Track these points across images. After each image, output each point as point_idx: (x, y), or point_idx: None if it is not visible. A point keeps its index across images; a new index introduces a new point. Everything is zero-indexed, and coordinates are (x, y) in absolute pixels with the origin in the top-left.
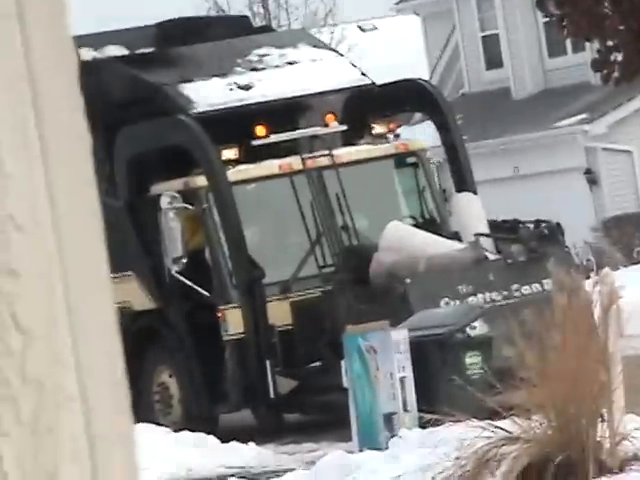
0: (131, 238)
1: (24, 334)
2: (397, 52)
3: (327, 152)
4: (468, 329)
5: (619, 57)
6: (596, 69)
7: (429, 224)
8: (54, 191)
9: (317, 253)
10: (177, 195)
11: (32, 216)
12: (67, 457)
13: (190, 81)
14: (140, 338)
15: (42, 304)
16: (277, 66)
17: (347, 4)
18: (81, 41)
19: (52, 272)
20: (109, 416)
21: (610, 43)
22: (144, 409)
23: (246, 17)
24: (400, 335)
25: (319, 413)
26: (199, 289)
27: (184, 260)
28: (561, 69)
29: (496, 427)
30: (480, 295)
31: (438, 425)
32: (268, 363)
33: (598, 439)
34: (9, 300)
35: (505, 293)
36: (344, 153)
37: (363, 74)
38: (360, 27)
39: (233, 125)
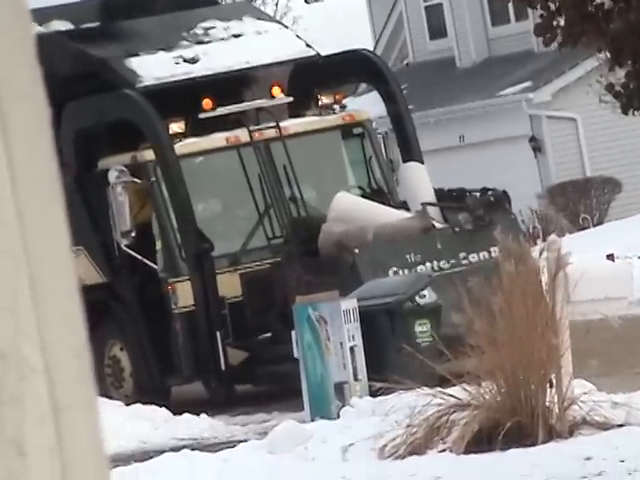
0: (80, 213)
1: None
2: (341, 23)
3: (274, 124)
4: (417, 298)
5: (561, 21)
6: (538, 34)
7: (377, 194)
8: (14, 165)
9: (266, 225)
10: (125, 169)
11: None
12: (32, 426)
13: (136, 55)
14: (90, 312)
15: (4, 277)
16: (222, 39)
17: None
18: None
19: (14, 246)
20: (72, 385)
21: (552, 7)
22: (96, 383)
23: None
24: (350, 305)
25: (270, 384)
26: (148, 262)
27: (133, 234)
28: (504, 37)
29: (446, 394)
30: (428, 264)
31: (389, 393)
32: (218, 335)
33: (547, 404)
34: None
35: (453, 261)
36: (291, 125)
37: (308, 45)
38: None
39: (180, 98)
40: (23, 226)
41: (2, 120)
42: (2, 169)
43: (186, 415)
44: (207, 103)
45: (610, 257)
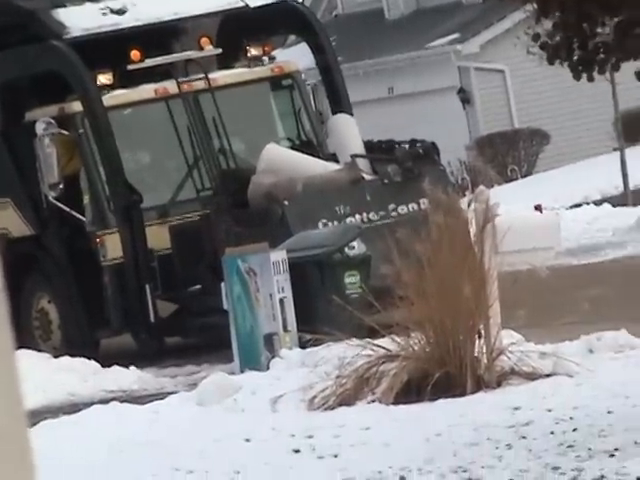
0: (7, 165)
1: None
2: None
3: (202, 76)
4: (346, 249)
5: None
6: None
7: (306, 146)
8: None
9: (195, 177)
10: (52, 121)
11: None
12: None
13: (62, 6)
14: (18, 265)
15: None
16: None
17: None
18: None
19: None
20: None
21: None
22: (24, 336)
23: None
24: (279, 256)
25: (200, 336)
26: (76, 215)
27: (61, 186)
28: None
29: (375, 345)
30: (358, 215)
31: (318, 345)
32: (147, 287)
33: (475, 355)
34: None
35: (382, 213)
36: (219, 76)
37: None
38: None
39: (107, 50)
40: None
41: None
42: None
43: (115, 367)
44: (135, 54)
45: (538, 208)
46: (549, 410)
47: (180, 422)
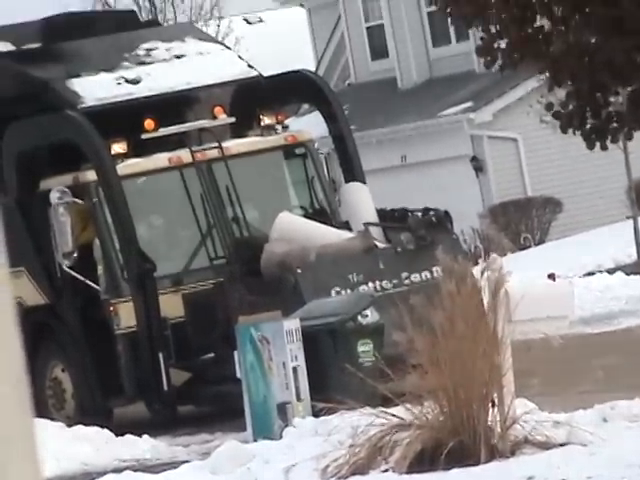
0: (22, 234)
1: None
2: (283, 44)
3: (216, 144)
4: (359, 317)
5: (502, 44)
6: (480, 55)
7: (319, 214)
8: None
9: (208, 245)
10: (67, 190)
11: None
12: None
13: (78, 76)
14: (32, 334)
15: None
16: (165, 60)
17: None
18: None
19: None
20: (11, 415)
21: (493, 30)
22: (37, 405)
23: (133, 11)
24: (292, 325)
25: (213, 404)
26: (90, 283)
27: (75, 255)
28: (446, 58)
29: (389, 414)
30: (371, 284)
31: (331, 413)
32: (161, 356)
33: (489, 423)
34: None
35: (395, 281)
36: (233, 145)
37: (250, 66)
38: (246, 20)
39: (122, 119)
40: None
41: None
42: None
43: (128, 436)
44: (149, 124)
45: (551, 276)
46: None
47: None
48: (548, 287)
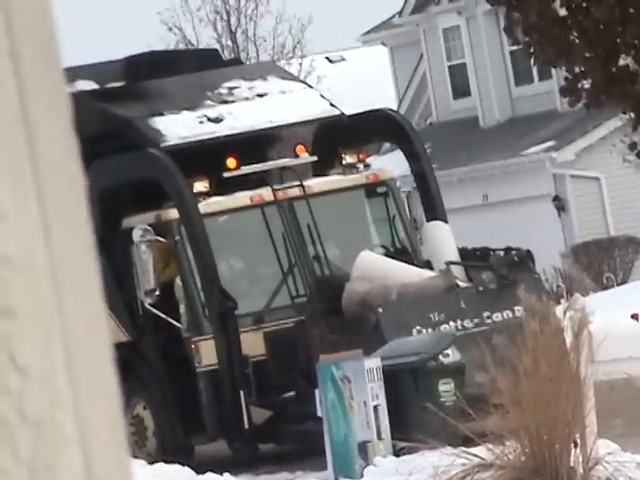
0: (104, 271)
1: (22, 374)
2: (365, 83)
3: (298, 183)
4: (441, 357)
5: (586, 84)
6: (564, 96)
7: (400, 253)
8: (50, 232)
9: (289, 283)
10: (149, 228)
11: (29, 257)
12: None
13: (160, 114)
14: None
15: (39, 343)
16: (247, 98)
17: (315, 36)
18: None
19: (49, 312)
20: (107, 455)
21: (577, 70)
22: None
23: (215, 50)
24: (373, 364)
25: (294, 443)
26: (172, 321)
27: (157, 292)
28: (528, 97)
29: (470, 454)
30: (452, 323)
31: (412, 453)
32: (242, 393)
33: (571, 464)
34: (7, 340)
35: (477, 320)
36: (315, 184)
37: (332, 105)
38: (328, 58)
39: (204, 157)
40: (58, 293)
41: (39, 192)
42: (40, 243)
43: (209, 474)
44: (231, 162)
45: (634, 317)
46: None
47: None
48: (631, 327)
